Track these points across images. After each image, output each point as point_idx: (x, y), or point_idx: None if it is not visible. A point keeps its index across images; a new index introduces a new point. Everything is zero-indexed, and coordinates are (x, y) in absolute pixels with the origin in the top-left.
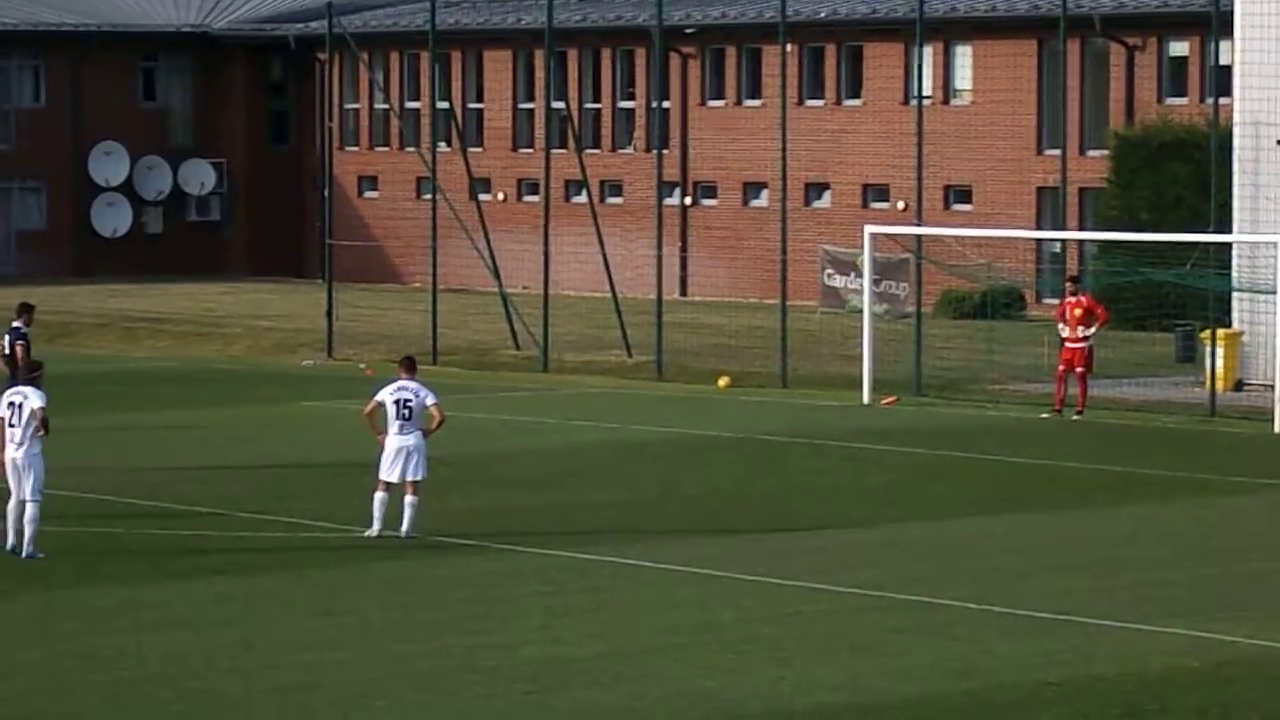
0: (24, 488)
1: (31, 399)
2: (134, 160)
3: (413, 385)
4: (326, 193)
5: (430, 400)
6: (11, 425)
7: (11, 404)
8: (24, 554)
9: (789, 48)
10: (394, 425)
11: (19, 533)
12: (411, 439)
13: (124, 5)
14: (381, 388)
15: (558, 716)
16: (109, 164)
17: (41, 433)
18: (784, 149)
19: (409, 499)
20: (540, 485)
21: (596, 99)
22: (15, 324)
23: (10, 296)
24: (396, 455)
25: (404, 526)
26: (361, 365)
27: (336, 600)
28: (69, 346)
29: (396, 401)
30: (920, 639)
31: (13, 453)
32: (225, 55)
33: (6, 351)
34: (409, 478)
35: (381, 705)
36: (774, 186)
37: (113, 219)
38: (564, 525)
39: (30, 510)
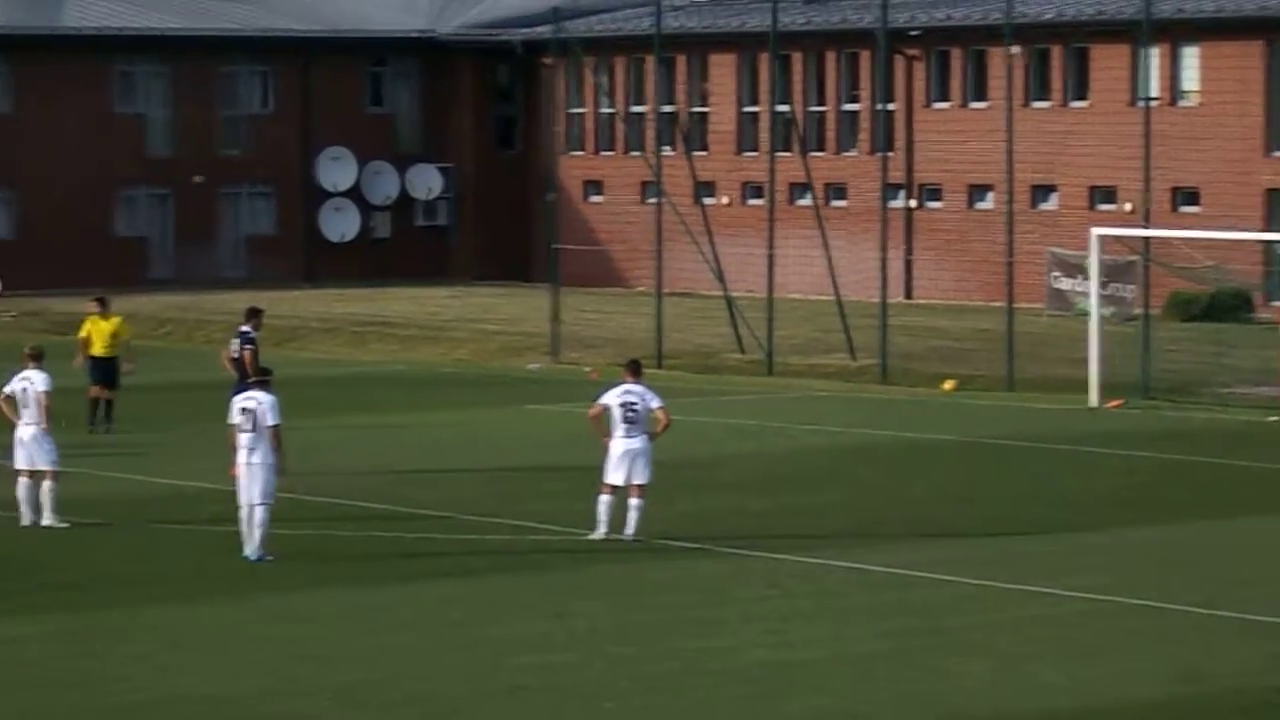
0: (254, 492)
1: (265, 411)
2: (362, 165)
3: (638, 389)
4: (552, 197)
5: (655, 403)
6: (244, 431)
7: (244, 410)
8: (254, 557)
9: (1015, 49)
10: (620, 428)
11: (249, 536)
12: (637, 442)
13: (352, 11)
14: (607, 391)
15: None
16: (337, 169)
17: (274, 443)
18: (1010, 151)
19: (634, 502)
20: (765, 489)
21: (821, 102)
22: (244, 328)
23: (239, 301)
24: (622, 458)
25: (629, 530)
26: (586, 369)
27: (563, 603)
28: (297, 350)
29: (622, 405)
30: (1148, 643)
31: (244, 458)
32: (452, 60)
33: (235, 355)
34: (634, 481)
35: (609, 707)
36: (1000, 189)
37: (340, 224)
38: (789, 529)
39: (260, 514)
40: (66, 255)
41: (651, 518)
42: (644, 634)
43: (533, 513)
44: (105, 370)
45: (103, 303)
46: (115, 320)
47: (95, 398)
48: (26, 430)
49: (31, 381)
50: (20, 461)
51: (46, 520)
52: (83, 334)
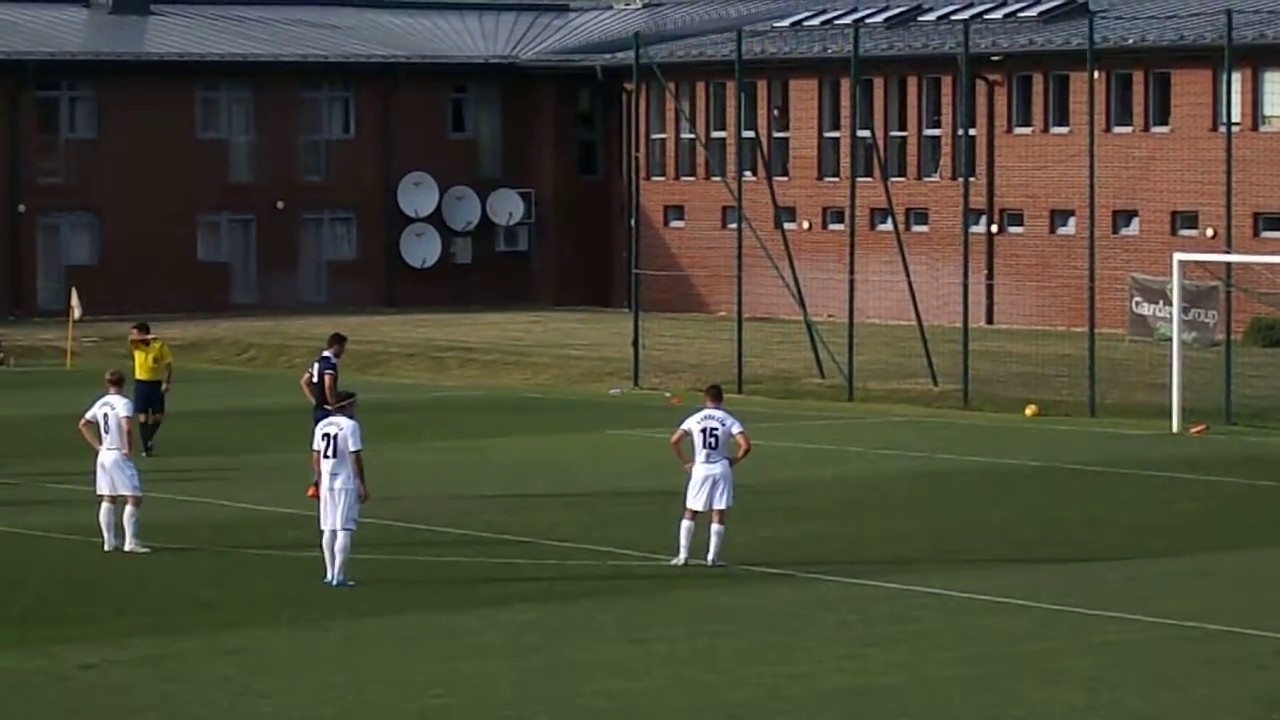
0: (335, 517)
1: (347, 437)
2: (443, 191)
3: (719, 414)
4: (634, 222)
5: (736, 429)
6: (326, 457)
7: (326, 435)
8: (335, 582)
9: (1096, 75)
10: (700, 454)
11: (331, 561)
12: (718, 467)
13: (433, 37)
14: (688, 416)
15: None
16: (418, 195)
17: (356, 468)
18: (1092, 176)
19: (715, 527)
20: (846, 514)
21: (903, 127)
22: (326, 354)
23: (320, 326)
24: (703, 484)
25: (710, 555)
26: (667, 394)
27: (644, 628)
28: (379, 376)
29: (703, 430)
30: (1230, 670)
31: (327, 484)
32: (533, 86)
33: (315, 380)
34: (715, 506)
35: None
36: (1081, 214)
37: (422, 249)
38: (870, 554)
39: (342, 539)
40: (148, 280)
41: (732, 543)
42: (724, 660)
43: (613, 538)
44: (149, 395)
45: (143, 329)
46: (156, 345)
47: (143, 423)
48: (108, 455)
49: (113, 407)
50: (103, 487)
51: (129, 545)
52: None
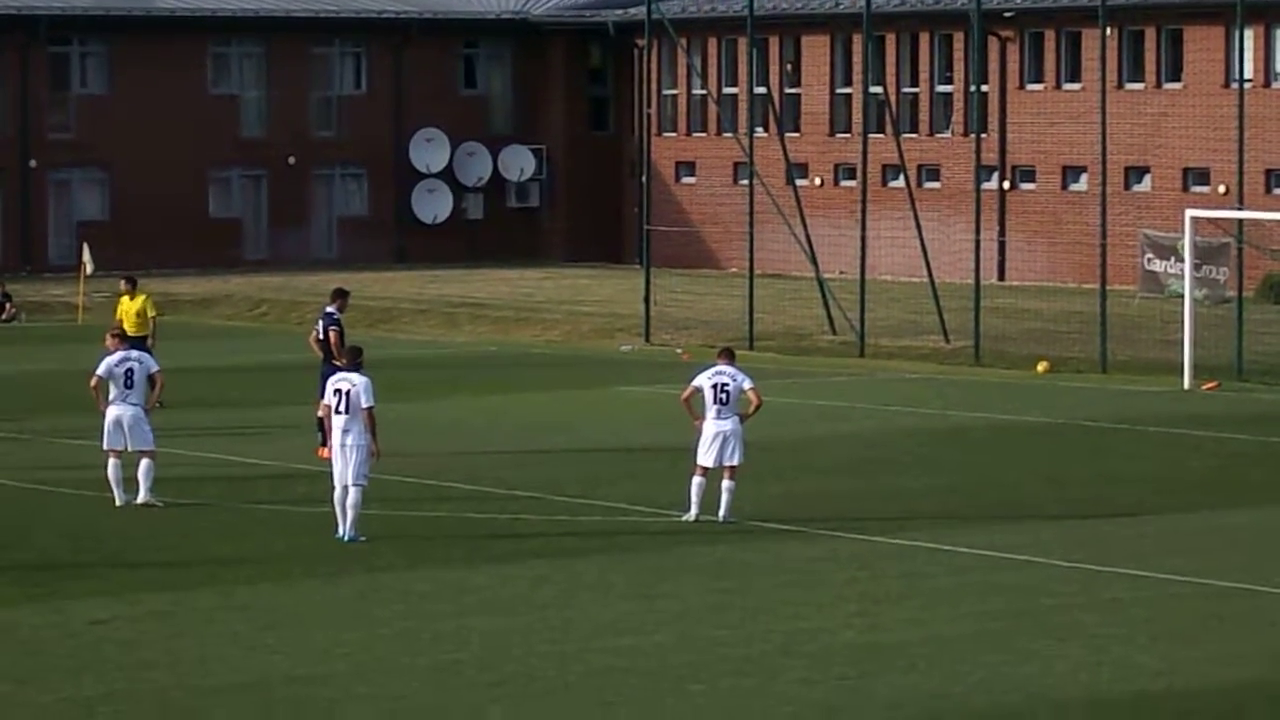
0: (347, 473)
1: (360, 393)
2: (454, 146)
3: (730, 369)
4: (645, 179)
5: (748, 384)
6: (338, 412)
7: (338, 391)
8: (346, 537)
9: (1108, 30)
10: (711, 410)
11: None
12: (729, 424)
13: None
14: (699, 373)
15: (876, 702)
16: (430, 150)
17: (368, 424)
18: (1104, 133)
19: (726, 484)
20: (857, 471)
21: (914, 83)
22: (329, 309)
23: (332, 282)
24: (714, 440)
25: (721, 511)
26: (678, 350)
27: (654, 584)
28: (389, 332)
29: (714, 386)
30: (1241, 627)
31: (339, 440)
32: (545, 41)
33: (320, 337)
34: (726, 462)
35: (697, 690)
36: (1093, 170)
37: (433, 205)
38: (880, 511)
39: (353, 495)
40: (160, 236)
41: (743, 499)
42: (734, 616)
43: (623, 494)
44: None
45: (131, 282)
46: (141, 299)
47: None
48: (127, 410)
49: (140, 361)
50: (115, 442)
51: (143, 499)
52: (116, 316)
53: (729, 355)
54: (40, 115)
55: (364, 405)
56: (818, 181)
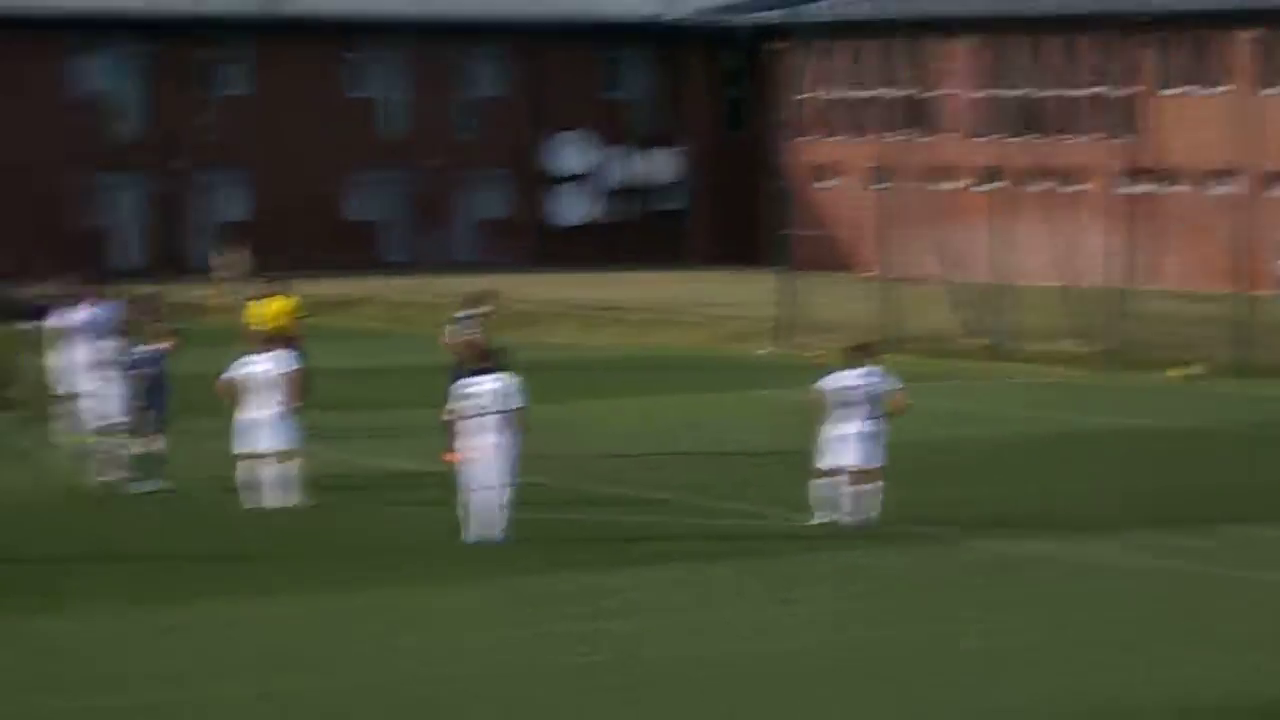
0: (494, 474)
1: (510, 394)
2: (595, 149)
3: (872, 371)
4: (784, 182)
5: (888, 387)
6: (486, 414)
7: (484, 392)
8: (498, 539)
9: (1253, 34)
10: (851, 411)
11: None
12: (870, 425)
13: None
14: (836, 374)
15: (1005, 708)
16: (570, 153)
17: (518, 427)
18: (1249, 136)
19: (865, 487)
20: (994, 476)
21: (1057, 86)
22: (469, 312)
23: (472, 284)
24: (852, 441)
25: (856, 515)
26: (816, 353)
27: (788, 589)
28: (529, 335)
29: (854, 388)
30: None
31: (491, 440)
32: (685, 45)
33: (459, 339)
34: (865, 465)
35: (828, 694)
36: (1237, 174)
37: (573, 208)
38: (1018, 516)
39: (504, 495)
40: (301, 238)
41: (874, 503)
42: (868, 621)
43: (761, 497)
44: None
45: (273, 284)
46: (285, 300)
47: None
48: (269, 412)
49: (276, 362)
50: (257, 443)
51: (287, 500)
52: (258, 317)
53: (865, 351)
54: (184, 117)
55: (514, 406)
56: (959, 185)
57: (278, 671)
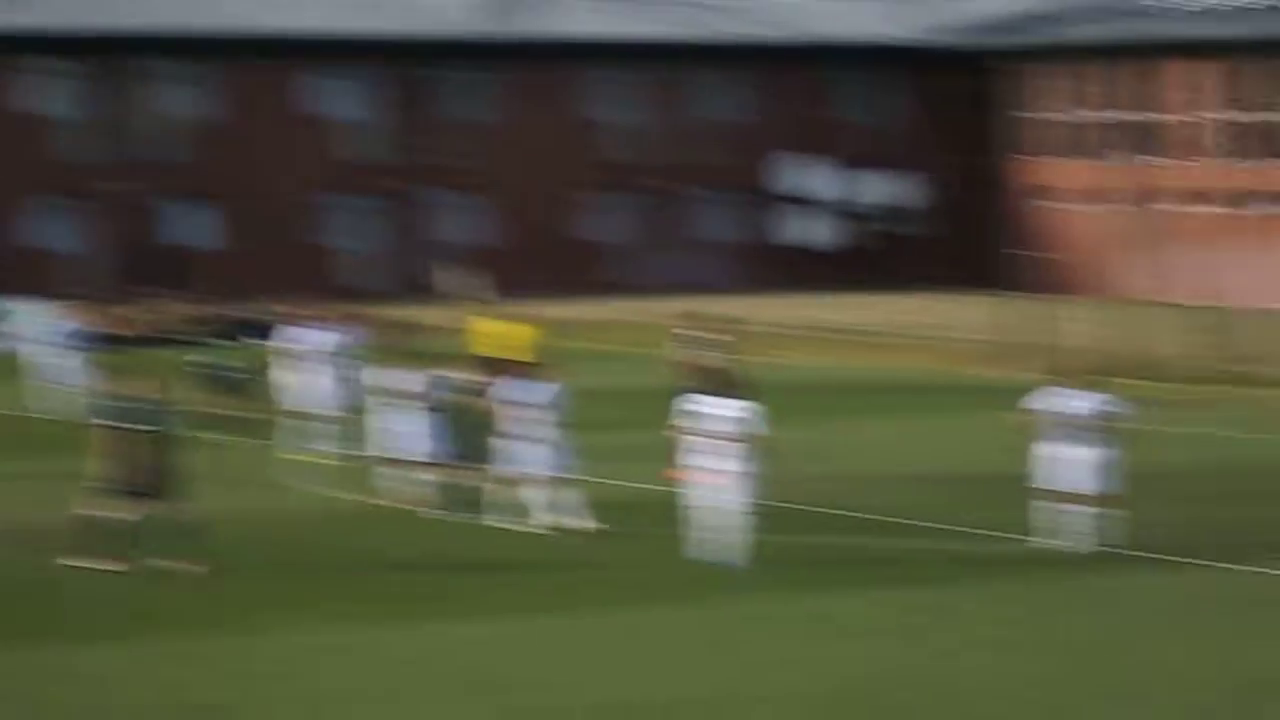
0: (733, 498)
1: (752, 419)
2: (834, 172)
3: (1085, 394)
4: (1033, 203)
5: (1110, 409)
6: (724, 439)
7: (731, 418)
8: (731, 562)
9: None
10: (1073, 435)
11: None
12: (1095, 451)
13: (818, 15)
14: (1049, 396)
15: None
16: (807, 176)
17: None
18: None
19: (1089, 510)
20: (1230, 501)
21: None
22: (699, 334)
23: (705, 307)
24: (1073, 466)
25: (1085, 539)
26: (1041, 376)
27: (1024, 615)
28: (764, 356)
29: (1076, 412)
30: None
31: (736, 466)
32: (920, 66)
33: (697, 362)
34: (1089, 489)
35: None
36: None
37: (808, 230)
38: (1255, 541)
39: (740, 520)
40: (534, 260)
41: (1111, 528)
42: (1101, 646)
43: (997, 521)
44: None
45: (507, 307)
46: (523, 326)
47: None
48: (547, 434)
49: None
50: (529, 465)
51: (570, 523)
52: (493, 341)
53: (1073, 374)
54: (419, 139)
55: (756, 432)
56: (1203, 209)
57: (501, 695)
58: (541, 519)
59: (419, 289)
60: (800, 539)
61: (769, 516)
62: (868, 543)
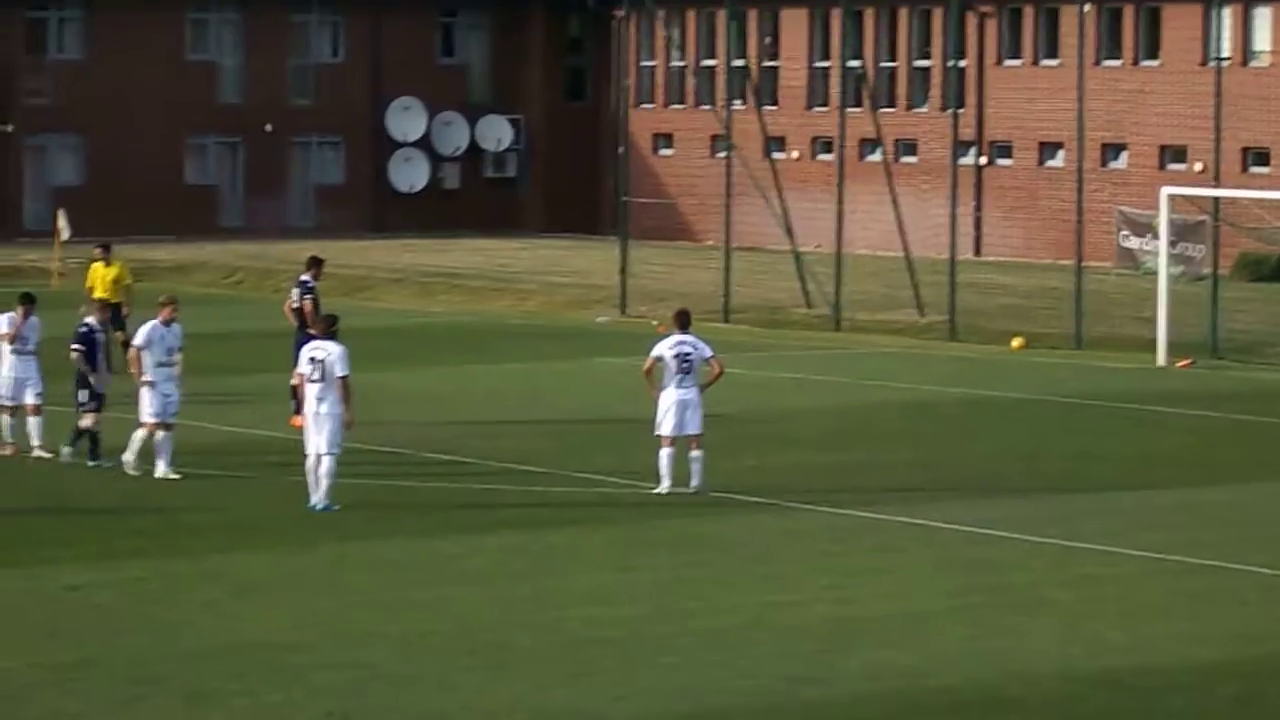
0: (321, 441)
1: (335, 362)
2: (432, 116)
3: (690, 339)
4: (622, 150)
5: (708, 353)
6: (313, 381)
7: (313, 359)
8: (319, 506)
9: (1087, 7)
10: (674, 379)
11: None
12: (690, 393)
13: None
14: (659, 343)
15: (848, 676)
16: (407, 119)
17: (343, 393)
18: (1081, 109)
19: (693, 454)
20: (830, 444)
21: (893, 57)
22: (304, 278)
23: (308, 250)
24: (675, 409)
25: (693, 482)
26: (654, 322)
27: (627, 556)
28: (365, 301)
29: (676, 356)
30: (1212, 604)
31: (313, 408)
32: (524, 12)
33: (295, 305)
34: (687, 431)
35: (669, 662)
36: (1070, 147)
37: (410, 174)
38: (854, 484)
39: (327, 463)
40: (135, 203)
41: (716, 471)
42: (707, 588)
43: (597, 465)
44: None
45: (106, 249)
46: (117, 266)
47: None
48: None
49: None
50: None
51: (160, 470)
52: (88, 282)
53: (685, 319)
54: (17, 80)
55: (339, 374)
56: (795, 155)
57: (116, 636)
58: (133, 461)
59: (16, 230)
60: (401, 483)
61: (366, 460)
62: (472, 487)
